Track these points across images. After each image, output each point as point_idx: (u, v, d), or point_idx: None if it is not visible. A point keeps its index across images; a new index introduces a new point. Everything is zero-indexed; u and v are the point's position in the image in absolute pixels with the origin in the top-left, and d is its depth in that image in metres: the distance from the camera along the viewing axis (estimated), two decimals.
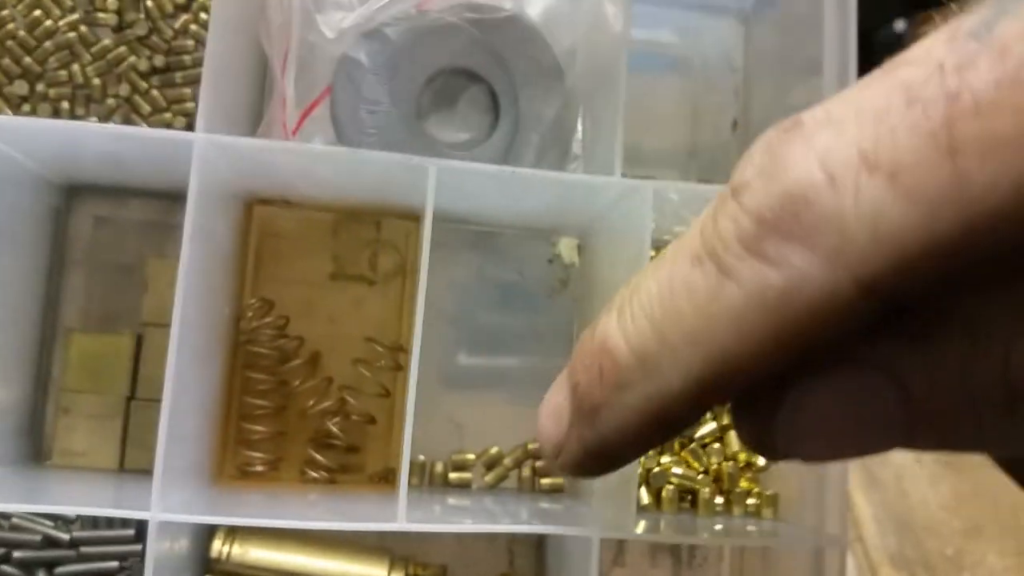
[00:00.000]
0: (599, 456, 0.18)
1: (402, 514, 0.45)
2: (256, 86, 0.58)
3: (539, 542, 0.60)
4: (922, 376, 0.15)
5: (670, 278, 0.15)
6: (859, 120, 0.13)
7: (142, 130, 0.46)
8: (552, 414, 0.19)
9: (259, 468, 0.56)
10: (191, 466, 0.52)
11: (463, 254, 0.61)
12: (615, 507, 0.48)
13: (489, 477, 0.59)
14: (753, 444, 0.17)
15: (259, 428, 0.56)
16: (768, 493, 0.56)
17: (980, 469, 0.58)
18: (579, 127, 0.58)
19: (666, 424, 0.17)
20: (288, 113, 0.55)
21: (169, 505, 0.45)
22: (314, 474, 0.56)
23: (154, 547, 0.43)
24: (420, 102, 0.57)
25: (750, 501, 0.56)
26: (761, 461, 0.56)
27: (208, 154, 0.45)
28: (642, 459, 0.55)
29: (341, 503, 0.53)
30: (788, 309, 0.14)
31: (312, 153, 0.46)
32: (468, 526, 0.46)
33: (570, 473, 0.19)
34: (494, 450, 0.59)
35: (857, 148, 0.13)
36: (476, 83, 0.58)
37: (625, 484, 0.47)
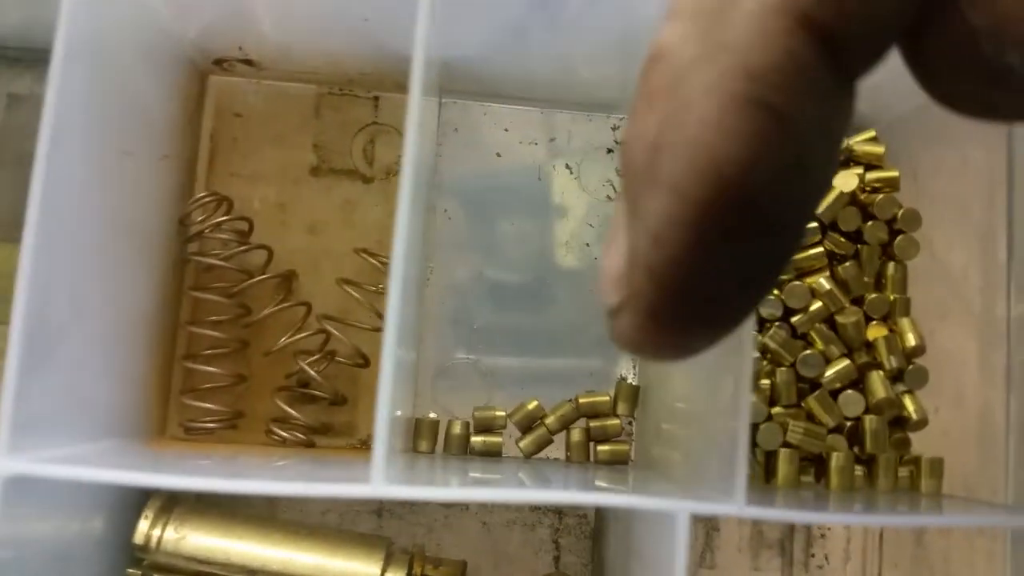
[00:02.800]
0: (676, 264, 0.14)
1: (378, 475, 0.29)
2: None
3: (595, 533, 0.44)
4: None
5: None
6: None
7: None
8: (611, 234, 0.15)
9: (210, 424, 0.41)
10: (106, 417, 0.37)
11: (490, 138, 0.45)
12: (715, 470, 0.32)
13: (525, 442, 0.43)
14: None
15: (210, 370, 0.41)
16: (928, 457, 0.38)
17: None
18: None
19: (770, 119, 0.13)
20: None
21: (43, 456, 0.30)
22: (284, 434, 0.41)
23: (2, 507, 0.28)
24: None
25: (902, 472, 0.38)
26: (918, 412, 0.39)
27: None
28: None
29: (312, 469, 0.37)
30: None
31: None
32: (469, 492, 0.30)
33: (643, 332, 0.15)
34: (532, 405, 0.43)
35: None
36: None
37: (730, 437, 0.30)
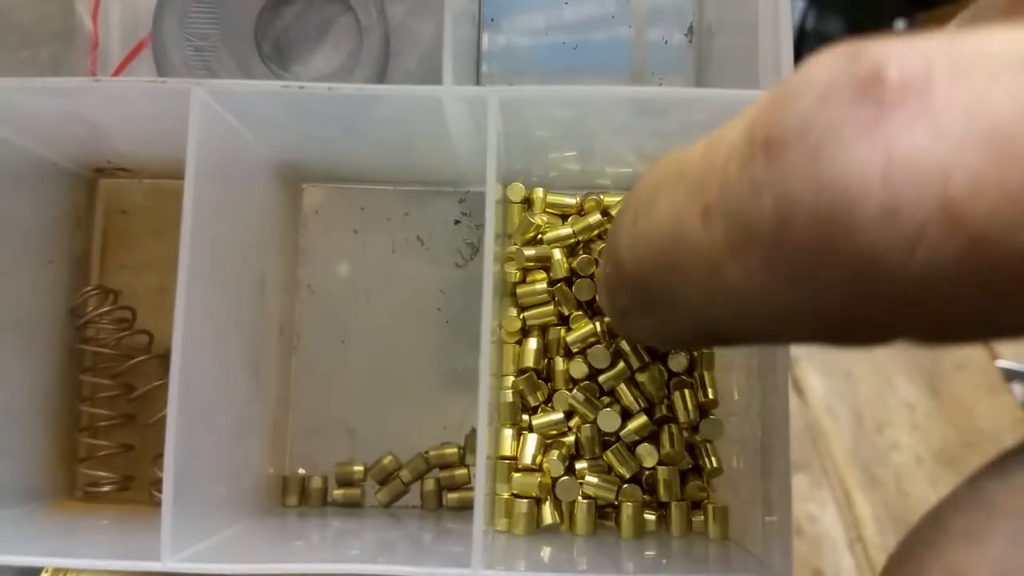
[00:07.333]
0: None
1: (166, 549, 0.34)
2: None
3: None
4: None
5: None
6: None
7: None
8: None
9: (104, 488, 0.47)
10: (14, 486, 0.44)
11: (348, 218, 0.50)
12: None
13: (382, 494, 0.47)
14: None
15: (100, 442, 0.47)
16: (716, 505, 0.41)
17: None
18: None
19: None
20: (98, 59, 0.46)
21: None
22: (161, 496, 0.47)
23: None
24: (260, 33, 0.46)
25: (698, 517, 0.42)
26: (713, 461, 0.42)
27: None
28: (546, 465, 0.42)
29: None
30: None
31: (50, 89, 0.36)
32: (252, 567, 0.35)
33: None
34: (387, 460, 0.48)
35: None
36: (332, 3, 0.47)
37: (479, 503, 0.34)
